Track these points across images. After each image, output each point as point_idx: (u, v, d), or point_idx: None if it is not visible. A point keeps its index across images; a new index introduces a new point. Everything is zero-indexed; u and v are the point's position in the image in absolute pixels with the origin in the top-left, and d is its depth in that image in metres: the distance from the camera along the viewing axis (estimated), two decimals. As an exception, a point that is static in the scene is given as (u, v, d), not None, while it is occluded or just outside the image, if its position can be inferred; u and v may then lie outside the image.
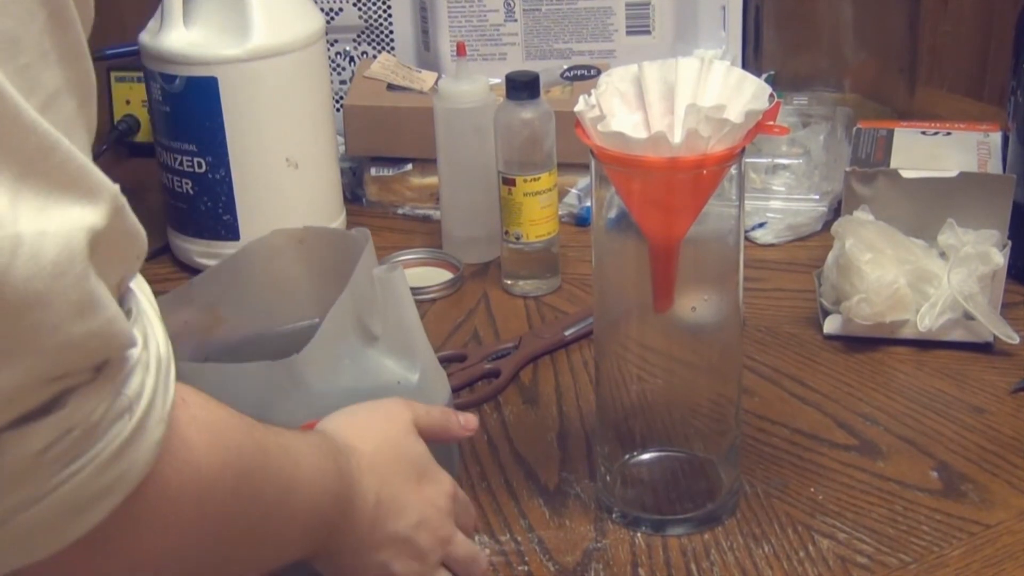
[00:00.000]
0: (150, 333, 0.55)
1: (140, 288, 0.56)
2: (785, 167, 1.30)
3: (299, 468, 0.66)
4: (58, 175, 0.48)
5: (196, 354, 0.87)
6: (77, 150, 0.49)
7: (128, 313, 0.54)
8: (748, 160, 1.17)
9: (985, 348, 1.05)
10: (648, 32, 1.40)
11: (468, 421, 0.82)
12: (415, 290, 1.18)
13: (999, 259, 1.04)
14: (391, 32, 1.43)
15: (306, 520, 0.67)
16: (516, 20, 1.40)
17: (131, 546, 0.55)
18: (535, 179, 1.15)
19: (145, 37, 1.18)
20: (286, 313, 0.91)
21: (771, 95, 0.77)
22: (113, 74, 1.50)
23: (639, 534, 0.86)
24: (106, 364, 0.51)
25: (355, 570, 0.73)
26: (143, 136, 1.49)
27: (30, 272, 0.46)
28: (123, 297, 0.54)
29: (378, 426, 0.75)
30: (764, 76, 1.22)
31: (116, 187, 0.51)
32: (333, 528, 0.69)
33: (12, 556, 0.51)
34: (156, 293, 0.59)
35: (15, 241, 0.46)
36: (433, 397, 0.84)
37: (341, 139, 1.35)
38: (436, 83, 1.32)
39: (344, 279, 0.82)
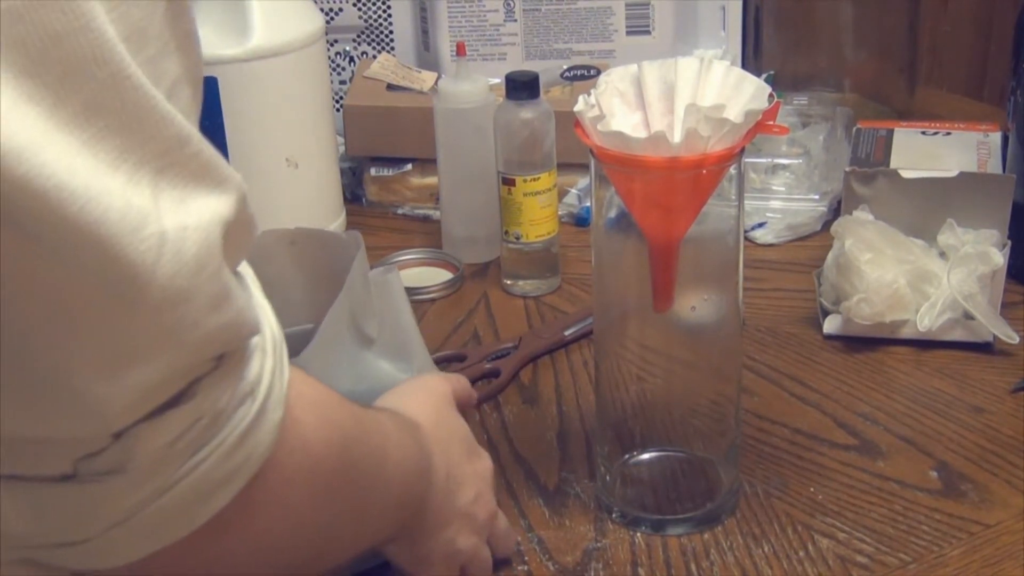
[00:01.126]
0: (263, 316, 0.55)
1: (247, 269, 0.57)
2: (785, 167, 1.30)
3: (389, 442, 0.67)
4: (194, 166, 0.48)
5: None
6: (204, 139, 0.49)
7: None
8: (748, 160, 1.17)
9: (985, 348, 1.05)
10: (648, 32, 1.40)
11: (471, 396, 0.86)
12: (415, 290, 1.19)
13: (999, 259, 1.04)
14: (391, 32, 1.43)
15: (399, 494, 0.68)
16: (516, 20, 1.40)
17: (250, 529, 0.56)
18: (535, 179, 1.15)
19: (145, 37, 1.18)
20: (280, 314, 0.90)
21: (771, 95, 0.77)
22: (113, 74, 1.50)
23: (639, 534, 0.86)
24: (227, 353, 0.51)
25: (427, 549, 0.74)
26: (143, 136, 1.48)
27: (174, 269, 0.46)
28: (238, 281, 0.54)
29: (430, 403, 0.77)
30: (764, 76, 1.22)
31: (239, 175, 0.51)
32: (420, 503, 0.71)
33: (140, 544, 0.52)
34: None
35: (160, 239, 0.45)
36: None
37: (341, 139, 1.35)
38: (436, 83, 1.32)
39: (335, 281, 0.82)
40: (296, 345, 0.79)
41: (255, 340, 0.53)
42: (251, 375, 0.53)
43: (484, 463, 0.80)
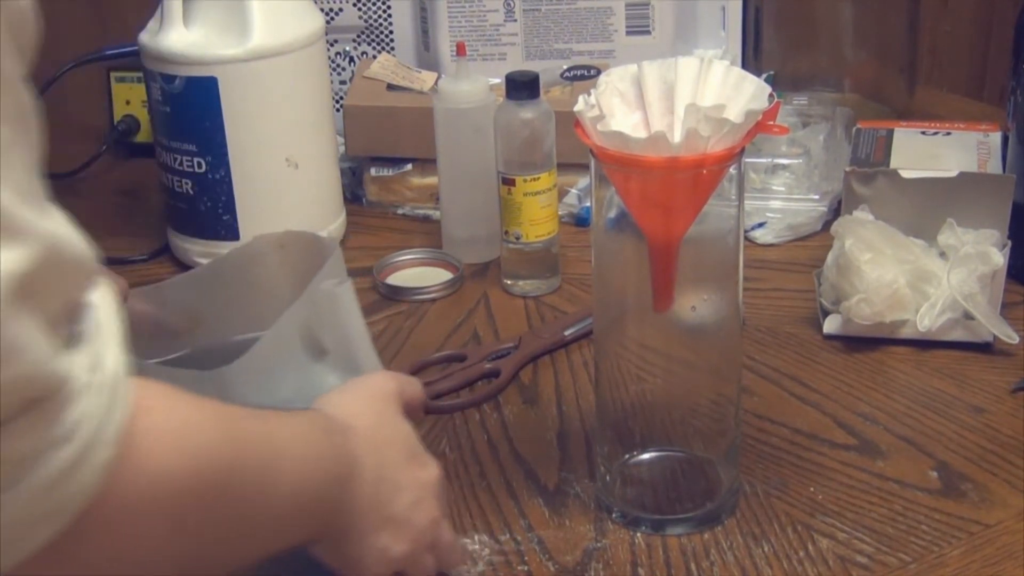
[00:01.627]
0: (103, 352, 0.54)
1: (103, 297, 0.56)
2: (785, 167, 1.30)
3: (285, 454, 0.65)
4: None
5: (170, 355, 0.87)
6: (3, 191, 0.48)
7: (78, 337, 0.53)
8: (748, 160, 1.17)
9: (985, 348, 1.05)
10: (648, 32, 1.40)
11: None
12: (415, 290, 1.19)
13: (999, 259, 1.04)
14: (391, 32, 1.43)
15: (301, 504, 0.67)
16: (516, 20, 1.40)
17: (96, 557, 0.55)
18: (535, 179, 1.15)
19: (145, 37, 1.18)
20: (269, 318, 0.89)
21: (771, 95, 0.77)
22: (113, 74, 1.50)
23: (639, 534, 0.86)
24: (36, 400, 0.50)
25: (357, 553, 0.72)
26: (143, 136, 1.49)
27: None
28: (77, 315, 0.53)
29: (371, 404, 0.75)
30: (764, 76, 1.22)
31: (48, 225, 0.50)
32: (336, 509, 0.69)
33: None
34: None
35: None
36: None
37: (341, 139, 1.35)
38: (436, 83, 1.32)
39: None
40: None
41: (82, 382, 0.52)
42: (69, 420, 0.52)
43: (429, 471, 0.77)
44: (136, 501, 0.56)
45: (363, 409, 0.74)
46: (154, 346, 0.89)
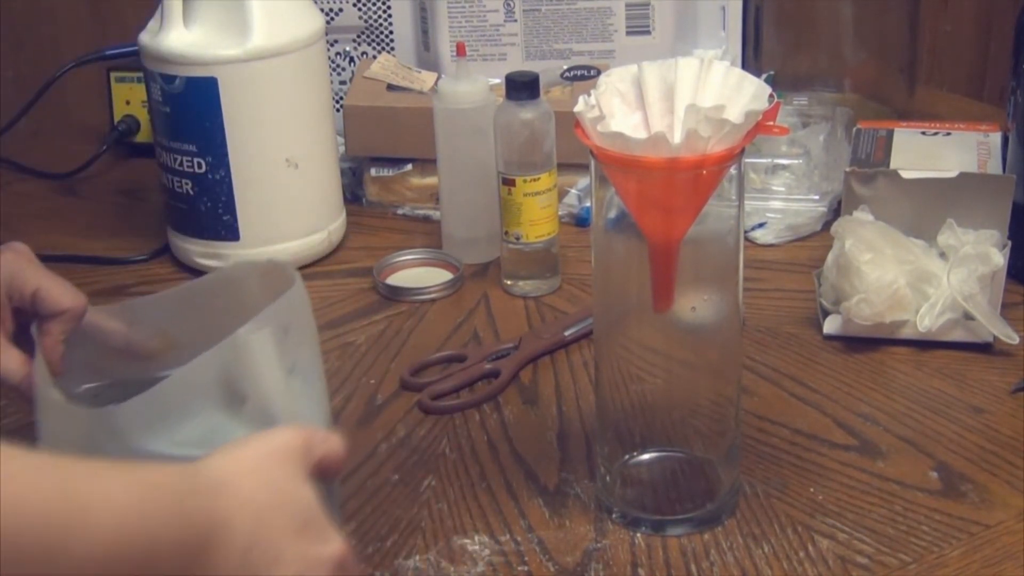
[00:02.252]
0: None
1: None
2: (785, 167, 1.30)
3: (93, 519, 0.59)
4: None
5: (91, 384, 0.85)
6: None
7: None
8: (748, 160, 1.17)
9: (985, 348, 1.05)
10: (648, 32, 1.40)
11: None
12: (415, 290, 1.19)
13: (999, 259, 1.04)
14: (391, 32, 1.43)
15: (121, 570, 0.60)
16: (516, 20, 1.40)
17: None
18: (535, 179, 1.15)
19: (145, 37, 1.18)
20: None
21: (771, 95, 0.77)
22: (113, 74, 1.50)
23: (639, 534, 0.86)
24: None
25: None
26: (143, 136, 1.49)
27: None
28: None
29: (262, 463, 0.68)
30: (764, 76, 1.22)
31: None
32: (183, 573, 0.63)
33: None
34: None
35: None
36: None
37: (341, 139, 1.35)
38: (436, 83, 1.32)
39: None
40: None
41: None
42: None
43: (328, 547, 0.67)
44: None
45: (250, 468, 0.67)
46: (120, 366, 0.87)
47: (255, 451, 0.68)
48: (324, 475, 0.71)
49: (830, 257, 1.09)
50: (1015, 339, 1.03)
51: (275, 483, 0.67)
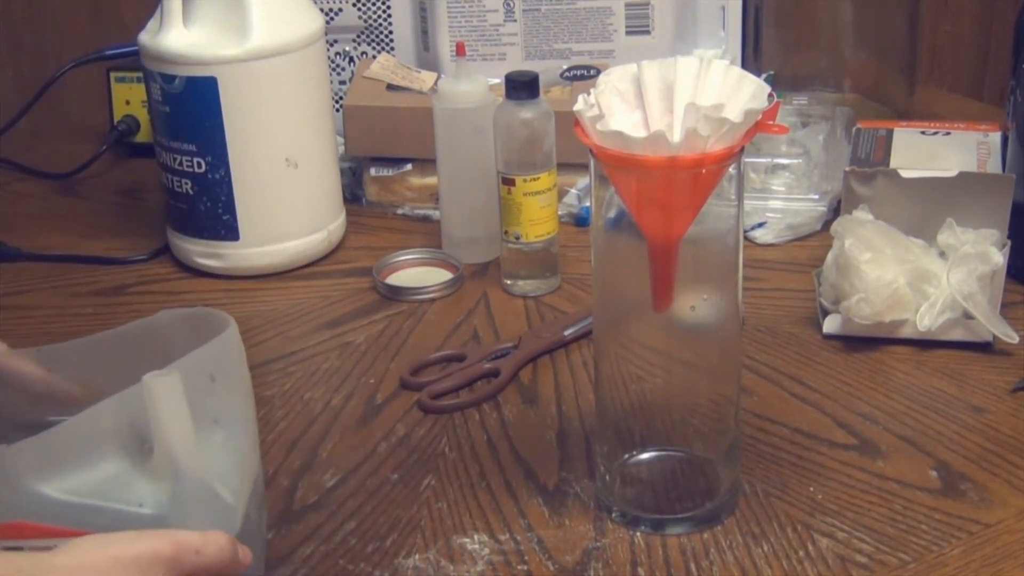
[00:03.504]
0: None
1: None
2: (784, 167, 1.30)
3: None
4: None
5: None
6: None
7: None
8: (748, 160, 1.17)
9: (984, 348, 1.05)
10: (648, 32, 1.40)
11: (245, 555, 0.70)
12: (415, 290, 1.19)
13: (998, 258, 1.04)
14: (391, 32, 1.43)
15: None
16: (516, 20, 1.40)
17: None
18: (534, 179, 1.15)
19: (145, 37, 1.19)
20: None
21: (770, 94, 0.77)
22: (113, 74, 1.50)
23: (638, 533, 0.86)
24: None
25: None
26: (143, 136, 1.49)
27: None
28: None
29: (104, 571, 0.64)
30: (764, 76, 1.22)
31: None
32: None
33: None
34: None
35: None
36: (189, 520, 0.71)
37: (341, 139, 1.35)
38: (436, 83, 1.32)
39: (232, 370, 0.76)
40: None
41: None
42: None
43: None
44: None
45: None
46: (37, 412, 0.82)
47: (109, 558, 0.64)
48: (196, 568, 0.67)
49: (830, 256, 1.09)
50: (1015, 338, 1.03)
51: None
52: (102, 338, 0.83)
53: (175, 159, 1.19)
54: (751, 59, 1.46)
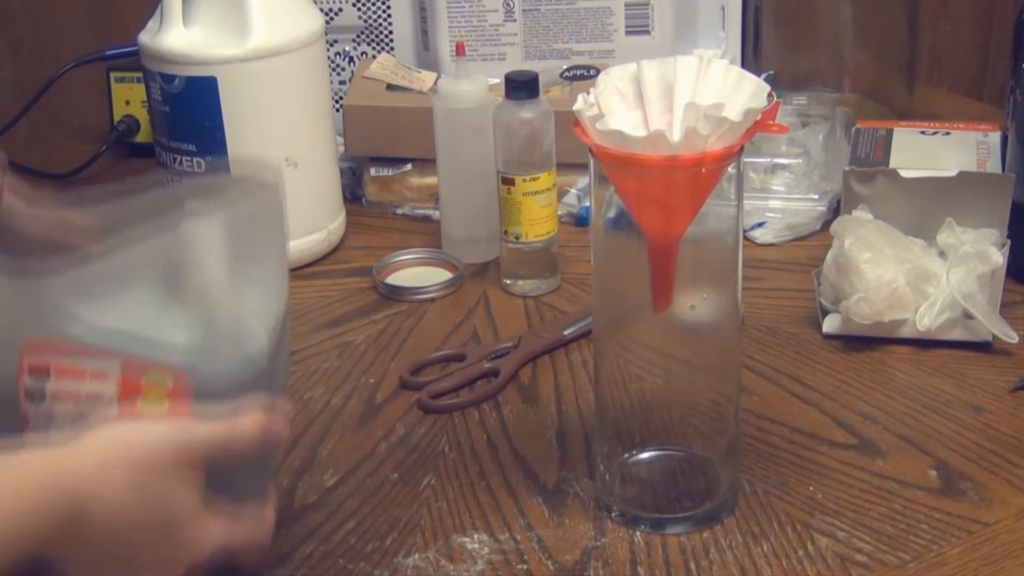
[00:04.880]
0: None
1: None
2: (784, 167, 1.30)
3: None
4: None
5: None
6: None
7: None
8: (747, 160, 1.18)
9: (984, 347, 1.05)
10: (647, 32, 1.40)
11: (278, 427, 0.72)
12: (415, 290, 1.19)
13: (998, 258, 1.04)
14: (390, 32, 1.44)
15: None
16: (515, 20, 1.40)
17: None
18: (534, 179, 1.15)
19: (145, 37, 1.19)
20: None
21: (770, 94, 0.78)
22: (113, 74, 1.51)
23: (638, 533, 0.86)
24: None
25: None
26: (143, 136, 1.49)
27: None
28: None
29: (132, 465, 0.66)
30: (763, 76, 1.22)
31: None
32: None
33: None
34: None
35: None
36: (212, 370, 0.74)
37: (341, 139, 1.35)
38: (435, 83, 1.32)
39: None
40: None
41: None
42: None
43: (192, 549, 0.68)
44: None
45: (116, 468, 0.65)
46: (38, 251, 0.82)
47: (127, 446, 0.66)
48: (227, 460, 0.70)
49: (829, 256, 1.09)
50: (1014, 338, 1.03)
51: (138, 486, 0.66)
52: (125, 201, 0.83)
53: (175, 159, 1.20)
54: (751, 59, 1.46)
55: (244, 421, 0.70)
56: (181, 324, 0.73)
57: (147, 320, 0.73)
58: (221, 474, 0.71)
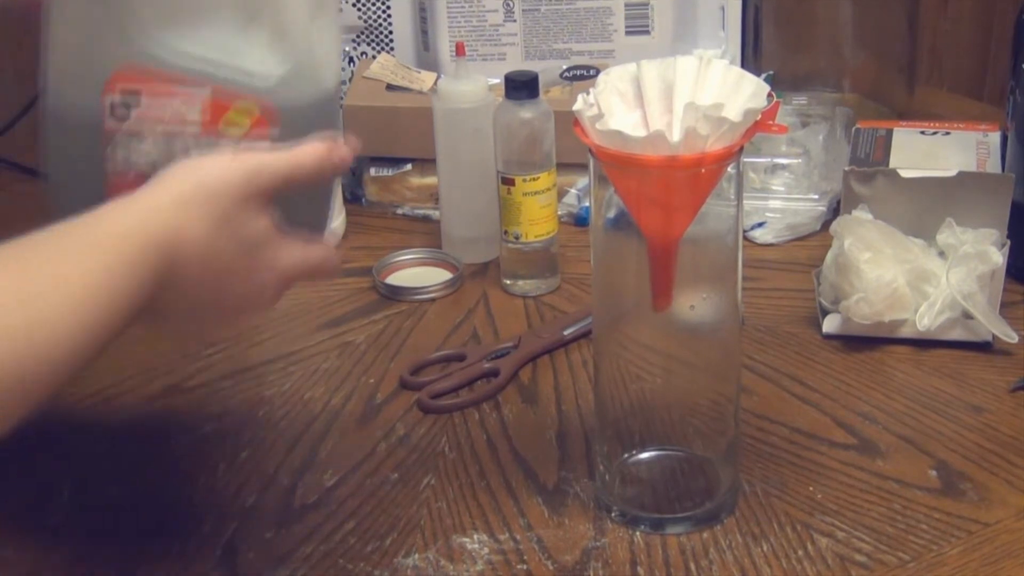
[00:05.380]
0: None
1: None
2: (784, 167, 1.30)
3: (51, 328, 0.65)
4: None
5: None
6: None
7: None
8: (747, 160, 1.18)
9: (984, 347, 1.05)
10: (647, 32, 1.40)
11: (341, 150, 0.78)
12: (415, 290, 1.19)
13: (998, 258, 1.04)
14: (390, 32, 1.44)
15: (82, 353, 0.66)
16: (515, 20, 1.40)
17: None
18: (534, 179, 1.15)
19: (145, 37, 1.18)
20: None
21: (770, 94, 0.78)
22: (113, 74, 1.50)
23: (638, 533, 0.86)
24: None
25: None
26: (143, 136, 1.48)
27: None
28: None
29: (207, 211, 0.71)
30: (763, 76, 1.22)
31: None
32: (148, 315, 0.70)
33: None
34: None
35: None
36: (293, 103, 0.78)
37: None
38: (435, 83, 1.32)
39: None
40: None
41: None
42: None
43: (276, 269, 0.76)
44: None
45: (196, 217, 0.71)
46: None
47: (198, 183, 0.71)
48: (293, 187, 0.74)
49: (829, 256, 1.09)
50: (1014, 338, 1.03)
51: (215, 217, 0.71)
52: None
53: (175, 159, 1.19)
54: (751, 59, 1.46)
55: (307, 148, 0.75)
56: (263, 56, 0.76)
57: (231, 49, 0.76)
58: (287, 204, 0.75)
